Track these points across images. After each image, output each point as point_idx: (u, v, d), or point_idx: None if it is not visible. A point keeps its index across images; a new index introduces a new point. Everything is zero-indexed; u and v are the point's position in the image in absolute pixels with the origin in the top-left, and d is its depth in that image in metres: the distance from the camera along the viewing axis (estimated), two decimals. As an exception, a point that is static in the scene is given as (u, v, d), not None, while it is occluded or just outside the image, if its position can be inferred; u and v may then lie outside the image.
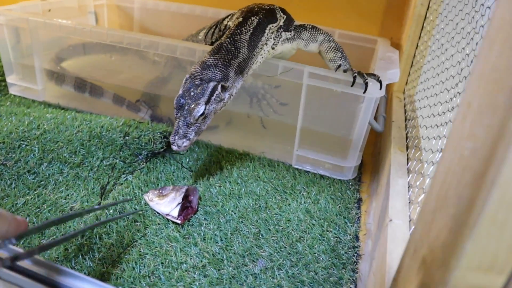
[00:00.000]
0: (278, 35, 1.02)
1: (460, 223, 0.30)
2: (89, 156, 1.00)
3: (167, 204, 0.86)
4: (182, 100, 0.89)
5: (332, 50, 1.02)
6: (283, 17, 1.05)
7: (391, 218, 0.70)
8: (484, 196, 0.27)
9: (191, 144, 0.91)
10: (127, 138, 1.03)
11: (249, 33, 0.96)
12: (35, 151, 0.98)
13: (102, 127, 1.05)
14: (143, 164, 1.02)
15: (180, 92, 0.90)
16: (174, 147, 0.88)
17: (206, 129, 0.95)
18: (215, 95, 0.89)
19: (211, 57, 0.91)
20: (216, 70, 0.90)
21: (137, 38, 1.12)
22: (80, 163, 0.98)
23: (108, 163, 1.00)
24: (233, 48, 0.93)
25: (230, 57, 0.92)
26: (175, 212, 0.84)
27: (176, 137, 0.88)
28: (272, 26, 1.01)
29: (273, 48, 1.02)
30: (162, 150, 1.06)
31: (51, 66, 1.35)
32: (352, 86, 0.93)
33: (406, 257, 0.46)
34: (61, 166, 0.97)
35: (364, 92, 0.93)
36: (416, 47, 1.28)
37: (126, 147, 1.02)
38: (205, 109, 0.88)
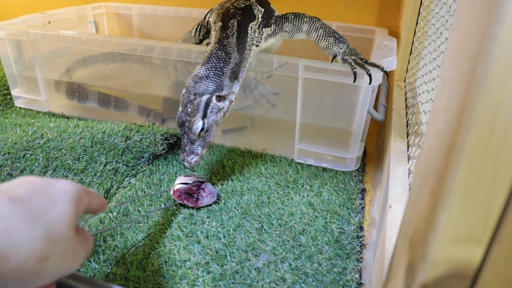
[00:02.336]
0: (260, 32, 0.99)
1: (436, 196, 0.30)
2: (92, 161, 1.01)
3: (179, 181, 0.92)
4: (182, 117, 0.89)
5: (323, 38, 0.99)
6: (261, 11, 1.01)
7: (390, 205, 0.70)
8: (454, 167, 0.27)
9: (201, 158, 0.92)
10: (128, 142, 1.04)
11: (235, 35, 0.93)
12: (39, 159, 1.00)
13: (104, 132, 1.06)
14: (145, 166, 1.03)
15: (180, 108, 0.90)
16: (186, 164, 0.91)
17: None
18: (210, 107, 0.88)
19: (202, 67, 0.89)
20: (208, 82, 0.88)
21: (133, 43, 1.13)
22: (83, 169, 1.00)
23: (111, 168, 1.01)
24: (223, 54, 0.90)
25: (222, 64, 0.89)
26: (177, 186, 0.90)
27: (185, 154, 0.90)
28: (253, 24, 0.98)
29: (257, 46, 0.99)
30: (163, 152, 1.06)
31: (63, 78, 1.37)
32: (354, 82, 0.92)
33: (399, 240, 0.46)
34: (65, 173, 0.98)
35: (370, 83, 0.92)
36: (414, 34, 1.27)
37: (128, 151, 1.03)
38: (203, 124, 0.88)
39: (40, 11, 1.53)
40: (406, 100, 1.16)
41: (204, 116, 0.88)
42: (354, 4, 1.52)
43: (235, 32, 0.94)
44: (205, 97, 0.88)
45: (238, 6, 1.01)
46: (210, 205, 0.90)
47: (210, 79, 0.88)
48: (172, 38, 1.70)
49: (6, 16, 1.46)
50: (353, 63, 0.92)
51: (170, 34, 1.72)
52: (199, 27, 1.18)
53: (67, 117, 1.34)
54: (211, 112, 0.89)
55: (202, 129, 0.88)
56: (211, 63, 0.89)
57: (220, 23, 0.97)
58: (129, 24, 1.79)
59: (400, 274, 0.39)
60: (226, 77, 0.89)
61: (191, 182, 0.91)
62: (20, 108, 1.41)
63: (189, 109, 0.88)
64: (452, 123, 0.29)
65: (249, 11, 0.99)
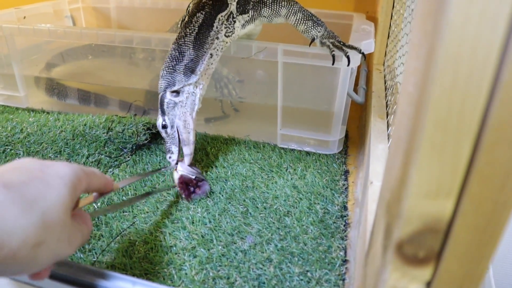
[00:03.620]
0: (231, 22, 0.97)
1: (406, 154, 0.31)
2: (74, 154, 1.01)
3: (188, 167, 0.92)
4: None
5: (301, 21, 0.99)
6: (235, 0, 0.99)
7: (371, 181, 0.71)
8: (421, 123, 0.27)
9: (178, 156, 0.93)
10: (110, 133, 1.03)
11: (194, 33, 0.93)
12: (20, 154, 0.99)
13: (85, 125, 1.06)
14: (128, 157, 1.03)
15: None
16: (172, 162, 0.93)
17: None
18: (166, 104, 0.91)
19: (162, 69, 0.93)
20: (162, 81, 0.92)
21: (111, 34, 1.12)
22: (66, 162, 0.99)
23: (94, 160, 1.00)
24: (177, 54, 0.92)
25: (175, 63, 0.92)
26: (182, 172, 0.90)
27: (167, 155, 0.93)
28: (221, 16, 0.95)
29: (227, 36, 0.96)
30: (146, 142, 1.06)
31: (42, 74, 1.35)
32: (333, 64, 0.92)
33: (378, 208, 0.47)
34: (47, 167, 0.98)
35: (348, 65, 0.93)
36: (391, 17, 1.28)
37: (111, 142, 1.03)
38: (163, 121, 0.91)
39: (14, 6, 1.50)
40: (385, 83, 1.18)
41: (162, 113, 0.91)
42: (332, -10, 1.53)
43: (196, 28, 0.93)
44: (160, 95, 0.92)
45: None
46: None
47: (163, 78, 0.92)
48: (151, 30, 1.69)
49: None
50: (331, 46, 0.93)
51: (149, 26, 1.71)
52: (183, 18, 1.18)
53: (47, 113, 1.33)
54: (167, 107, 0.91)
55: (164, 126, 0.91)
56: (166, 63, 0.93)
57: (187, 18, 0.97)
58: (107, 18, 1.77)
59: (379, 238, 0.40)
60: (179, 73, 0.92)
61: (194, 176, 0.91)
62: (-2, 105, 1.40)
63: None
64: (420, 83, 0.30)
65: (221, 0, 0.97)
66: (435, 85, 0.25)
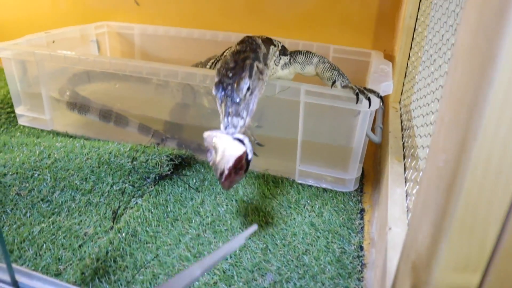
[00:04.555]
0: (278, 57, 1.08)
1: (438, 228, 0.34)
2: (99, 182, 1.04)
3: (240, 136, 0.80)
4: (222, 83, 0.85)
5: (328, 69, 1.07)
6: (280, 44, 1.11)
7: (390, 226, 0.73)
8: (453, 204, 0.30)
9: (245, 127, 0.83)
10: (135, 162, 1.07)
11: (260, 41, 1.01)
12: (47, 179, 1.02)
13: (110, 153, 1.09)
14: (151, 187, 1.06)
15: (217, 79, 0.87)
16: (230, 129, 0.80)
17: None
18: (254, 70, 0.87)
19: (237, 46, 0.95)
20: (248, 53, 0.90)
21: (139, 65, 1.17)
22: (91, 189, 1.03)
23: (118, 188, 1.04)
24: (254, 43, 0.97)
25: (254, 47, 0.95)
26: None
27: (229, 118, 0.80)
28: (273, 47, 1.07)
29: (276, 65, 1.08)
30: (169, 172, 1.10)
31: (69, 96, 1.40)
32: (356, 103, 0.97)
33: (401, 262, 0.49)
34: (73, 193, 1.01)
35: (369, 107, 0.97)
36: (408, 58, 1.32)
37: (135, 171, 1.07)
38: (249, 84, 0.84)
39: (44, 29, 1.57)
40: (401, 122, 1.21)
41: (250, 76, 0.85)
42: (350, 27, 1.57)
43: (260, 41, 1.01)
44: (248, 61, 0.88)
45: (259, 36, 1.09)
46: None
47: (247, 52, 0.91)
48: (173, 58, 1.75)
49: (11, 35, 1.49)
50: (354, 88, 0.98)
51: (171, 54, 1.76)
52: (215, 61, 1.23)
53: (71, 136, 1.37)
54: (255, 74, 0.87)
55: (248, 88, 0.83)
56: (245, 45, 0.95)
57: (242, 39, 1.02)
58: (130, 43, 1.83)
59: (404, 296, 0.43)
60: (260, 55, 0.94)
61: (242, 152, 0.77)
62: (24, 126, 1.44)
63: (231, 74, 0.85)
64: (451, 163, 0.33)
65: (270, 40, 1.09)
66: (468, 174, 0.28)
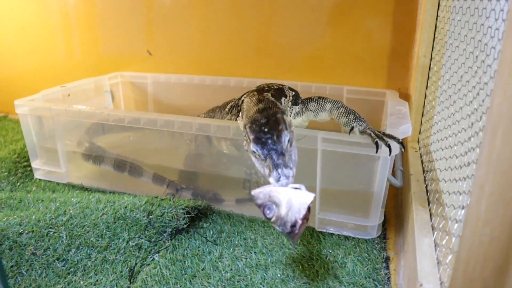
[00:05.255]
0: (290, 108, 1.09)
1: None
2: (115, 238, 1.02)
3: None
4: (260, 139, 0.83)
5: (344, 115, 1.05)
6: (292, 93, 1.11)
7: (421, 283, 0.69)
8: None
9: (294, 178, 0.81)
10: (151, 217, 1.05)
11: (270, 94, 1.03)
12: (63, 237, 1.01)
13: (125, 207, 1.08)
14: (168, 241, 1.04)
15: (252, 136, 0.85)
16: (284, 180, 0.78)
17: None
18: (287, 122, 0.87)
19: (263, 94, 0.99)
20: (273, 109, 0.90)
21: (153, 118, 1.17)
22: (107, 246, 1.00)
23: (134, 244, 1.01)
24: (272, 97, 1.00)
25: (274, 104, 0.94)
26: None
27: (280, 170, 0.78)
28: (284, 99, 1.08)
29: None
30: (185, 225, 1.07)
31: (87, 148, 1.40)
32: (376, 152, 0.94)
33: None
34: (88, 251, 0.99)
35: (390, 154, 0.94)
36: (425, 97, 1.30)
37: (151, 226, 1.04)
38: (289, 136, 0.83)
39: (59, 80, 1.60)
40: (422, 164, 1.18)
41: (286, 128, 0.85)
42: (363, 67, 1.57)
43: (270, 95, 1.02)
44: (279, 115, 0.88)
45: (272, 86, 1.11)
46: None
47: (274, 109, 0.91)
48: (186, 105, 1.75)
49: (27, 86, 1.51)
50: (373, 134, 0.95)
51: (184, 100, 1.77)
52: (233, 106, 1.21)
53: (87, 189, 1.36)
54: (289, 125, 0.87)
55: (289, 140, 0.83)
56: (266, 101, 0.95)
57: (255, 96, 1.01)
58: (143, 92, 1.85)
59: None
60: (282, 109, 0.95)
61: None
62: (40, 180, 1.44)
63: (266, 129, 0.84)
64: (498, 241, 0.30)
65: (282, 91, 1.10)
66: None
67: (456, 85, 1.00)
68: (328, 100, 1.09)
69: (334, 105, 1.08)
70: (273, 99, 1.00)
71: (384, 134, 0.95)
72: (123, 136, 1.40)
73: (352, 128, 1.00)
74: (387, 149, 0.93)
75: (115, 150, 1.38)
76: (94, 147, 1.40)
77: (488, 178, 0.34)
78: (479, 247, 0.34)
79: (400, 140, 0.95)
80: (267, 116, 0.87)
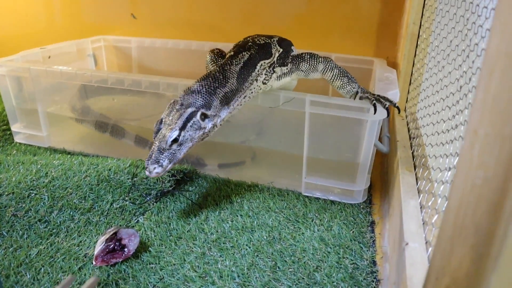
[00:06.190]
0: (270, 71, 1.02)
1: (482, 254, 0.30)
2: (99, 200, 1.00)
3: (97, 247, 0.86)
4: (160, 124, 0.89)
5: (338, 77, 1.02)
6: (279, 51, 1.04)
7: (407, 242, 0.70)
8: (504, 229, 0.27)
9: (164, 172, 0.87)
10: (135, 179, 1.03)
11: (239, 65, 0.96)
12: (44, 199, 0.99)
13: (109, 170, 1.06)
14: (153, 204, 1.03)
15: (161, 116, 0.90)
16: (146, 172, 0.87)
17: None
18: (191, 121, 0.87)
19: (197, 83, 0.91)
20: (198, 96, 0.89)
21: (138, 79, 1.14)
22: (90, 208, 0.99)
23: (118, 206, 1.00)
24: (221, 77, 0.92)
25: (217, 85, 0.91)
26: (95, 252, 0.84)
27: (149, 162, 0.86)
28: (264, 62, 1.01)
29: (264, 83, 1.01)
30: (171, 188, 1.06)
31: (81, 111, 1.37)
32: (374, 113, 0.94)
33: (428, 285, 0.45)
34: (71, 213, 0.97)
35: (388, 116, 0.95)
36: (413, 65, 1.29)
37: (135, 188, 1.03)
38: (179, 135, 0.86)
39: (40, 45, 1.54)
40: (409, 131, 1.18)
41: (182, 128, 0.86)
42: (351, 35, 1.55)
43: (241, 63, 0.97)
44: (190, 109, 0.88)
45: (257, 42, 1.04)
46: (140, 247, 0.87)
47: (201, 95, 0.89)
48: (172, 71, 1.72)
49: (7, 51, 1.46)
50: (371, 97, 0.95)
51: (169, 66, 1.73)
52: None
53: (69, 153, 1.33)
54: (191, 126, 0.87)
55: (175, 140, 0.86)
56: (206, 80, 0.91)
57: (231, 53, 1.00)
58: (128, 56, 1.80)
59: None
60: (217, 98, 0.91)
61: (104, 241, 0.85)
62: (20, 143, 1.41)
63: (170, 118, 0.88)
64: (493, 182, 0.29)
65: (267, 48, 1.03)
66: None
67: (445, 51, 0.99)
68: (321, 60, 1.03)
69: (327, 66, 1.02)
70: (241, 64, 0.96)
71: (380, 96, 0.95)
72: (106, 98, 1.36)
73: (356, 93, 0.99)
74: (385, 111, 0.92)
75: (102, 111, 1.34)
76: (89, 110, 1.35)
77: (483, 121, 0.33)
78: (471, 191, 0.33)
79: (396, 104, 0.95)
80: (182, 103, 0.89)
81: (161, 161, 0.86)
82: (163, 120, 0.89)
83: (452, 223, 0.39)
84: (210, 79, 0.92)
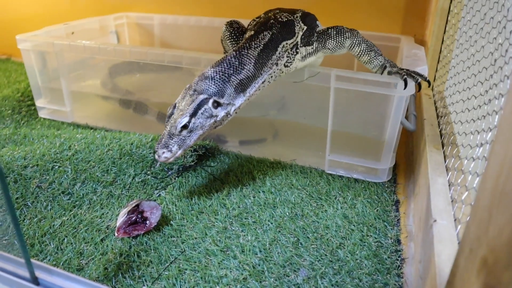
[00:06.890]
0: (293, 52, 0.95)
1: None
2: (121, 173, 1.00)
3: (119, 218, 0.85)
4: (173, 109, 0.87)
5: (365, 52, 0.97)
6: (303, 29, 0.97)
7: (435, 219, 0.68)
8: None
9: (174, 157, 0.86)
10: (157, 153, 1.03)
11: (259, 48, 0.90)
12: (68, 172, 0.99)
13: (132, 144, 1.06)
14: (174, 179, 1.02)
15: (175, 100, 0.88)
16: (156, 156, 0.86)
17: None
18: (203, 109, 0.85)
19: (211, 69, 0.87)
20: (211, 83, 0.85)
21: (160, 53, 1.12)
22: (112, 181, 0.99)
23: (140, 180, 1.00)
24: (236, 63, 0.87)
25: (232, 71, 0.87)
26: (117, 223, 0.85)
27: (159, 147, 0.85)
28: (286, 43, 0.94)
29: (286, 66, 0.95)
30: (193, 163, 1.05)
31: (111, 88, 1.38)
32: (405, 89, 0.90)
33: (461, 258, 0.44)
34: (94, 186, 0.98)
35: (419, 91, 0.93)
36: (442, 42, 1.25)
37: (157, 162, 1.02)
38: (189, 122, 0.84)
39: (62, 22, 1.54)
40: (436, 109, 1.14)
41: (193, 115, 0.84)
42: (378, 13, 1.50)
43: (262, 45, 0.90)
44: (202, 96, 0.85)
45: (280, 19, 0.96)
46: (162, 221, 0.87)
47: (214, 81, 0.86)
48: (194, 47, 1.70)
49: (31, 28, 1.46)
50: (401, 72, 0.92)
51: (191, 43, 1.72)
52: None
53: (92, 128, 1.34)
54: (202, 113, 0.85)
55: (185, 126, 0.84)
56: (221, 66, 0.87)
57: (252, 32, 0.94)
58: (150, 34, 1.79)
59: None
60: (231, 86, 0.87)
61: (126, 213, 0.85)
62: (44, 119, 1.42)
63: (183, 103, 0.85)
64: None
65: (290, 27, 0.95)
66: None
67: (479, 24, 0.95)
68: (348, 35, 0.97)
69: (354, 42, 0.97)
70: (261, 46, 0.90)
71: (409, 71, 0.92)
72: (129, 76, 1.36)
73: (385, 68, 0.96)
74: (414, 87, 0.90)
75: (121, 92, 1.34)
76: (118, 88, 1.35)
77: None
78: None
79: (427, 79, 0.92)
80: (195, 89, 0.87)
81: (170, 146, 0.85)
82: (176, 105, 0.87)
83: (491, 190, 0.37)
84: (225, 65, 0.87)
